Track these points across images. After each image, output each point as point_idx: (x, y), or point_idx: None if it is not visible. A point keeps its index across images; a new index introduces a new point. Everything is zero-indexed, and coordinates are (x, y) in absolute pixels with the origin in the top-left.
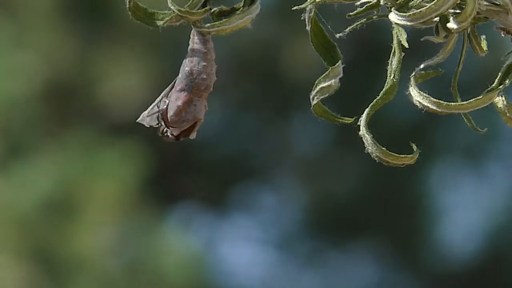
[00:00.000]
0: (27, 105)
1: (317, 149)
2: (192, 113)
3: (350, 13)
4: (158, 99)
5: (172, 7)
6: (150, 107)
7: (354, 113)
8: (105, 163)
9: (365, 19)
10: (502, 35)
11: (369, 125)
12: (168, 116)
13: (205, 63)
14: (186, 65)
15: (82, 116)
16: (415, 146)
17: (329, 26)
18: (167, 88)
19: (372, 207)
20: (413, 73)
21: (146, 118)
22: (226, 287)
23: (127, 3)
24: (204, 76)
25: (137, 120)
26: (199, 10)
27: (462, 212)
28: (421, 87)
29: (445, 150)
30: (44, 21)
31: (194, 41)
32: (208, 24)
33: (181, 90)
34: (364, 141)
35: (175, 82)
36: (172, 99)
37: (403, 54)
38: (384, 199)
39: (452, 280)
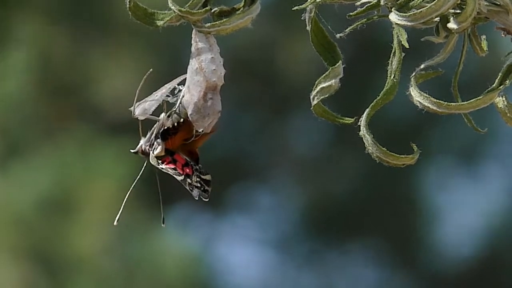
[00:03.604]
0: (25, 105)
1: (315, 150)
2: (211, 107)
3: (351, 13)
4: (156, 95)
5: (172, 7)
6: (151, 105)
7: (352, 113)
8: (103, 162)
9: (365, 19)
10: (502, 35)
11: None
12: (189, 114)
13: (212, 56)
14: (194, 64)
15: (80, 116)
16: (415, 146)
17: (329, 26)
18: (165, 87)
19: (370, 207)
20: (414, 73)
21: (137, 108)
22: (224, 287)
23: (127, 3)
24: (214, 67)
25: (130, 108)
26: (199, 10)
27: (459, 212)
28: (421, 87)
29: (442, 150)
30: (41, 20)
31: (197, 41)
32: (209, 24)
33: (195, 87)
34: (365, 141)
35: (171, 82)
36: (188, 99)
37: (403, 54)
38: (382, 199)
39: (449, 281)
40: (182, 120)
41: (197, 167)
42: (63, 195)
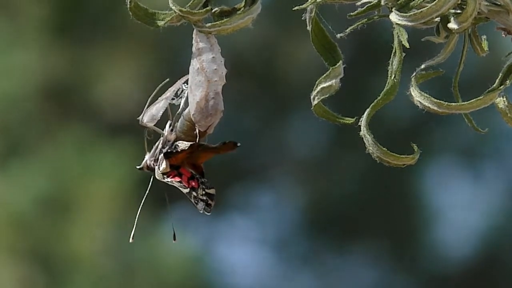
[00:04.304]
0: (24, 105)
1: (314, 150)
2: (213, 107)
3: (351, 13)
4: (161, 103)
5: (173, 7)
6: (159, 110)
7: (352, 113)
8: (102, 162)
9: (366, 19)
10: (503, 35)
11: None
12: (191, 115)
13: (213, 55)
14: (195, 64)
15: (79, 116)
16: (416, 146)
17: (330, 26)
18: (170, 90)
19: (369, 208)
20: (414, 74)
21: (145, 116)
22: (223, 287)
23: (128, 3)
24: (215, 67)
25: (138, 118)
26: (200, 10)
27: (459, 212)
28: (421, 87)
29: (442, 150)
30: (41, 22)
31: (198, 41)
32: (209, 24)
33: (196, 87)
34: (365, 142)
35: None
36: (190, 100)
37: (403, 54)
38: (381, 200)
39: (449, 281)
40: (185, 145)
41: (203, 180)
42: (62, 195)
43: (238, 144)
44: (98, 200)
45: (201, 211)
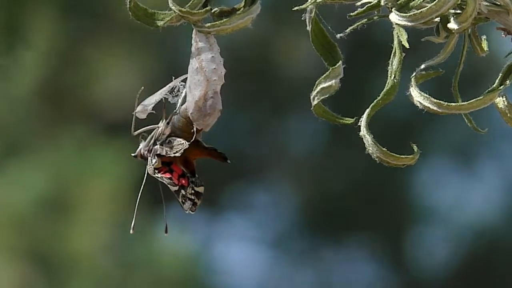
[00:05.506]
0: (23, 104)
1: (311, 149)
2: (212, 106)
3: (351, 14)
4: (156, 96)
5: (173, 7)
6: (151, 102)
7: (350, 113)
8: (101, 162)
9: (365, 20)
10: (503, 35)
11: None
12: (189, 114)
13: (212, 55)
14: (194, 64)
15: (78, 116)
16: (415, 146)
17: (329, 27)
18: (165, 88)
19: (366, 206)
20: (414, 74)
21: (143, 110)
22: (221, 286)
23: (128, 3)
24: (214, 66)
25: (136, 111)
26: (200, 10)
27: (455, 211)
28: (421, 87)
29: (437, 149)
30: (39, 20)
31: (197, 41)
32: (209, 24)
33: (195, 87)
34: (365, 142)
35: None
36: (189, 99)
37: (403, 54)
38: (378, 198)
39: (445, 279)
40: (180, 145)
41: (193, 179)
42: (61, 195)
43: (228, 161)
44: (97, 200)
45: (187, 211)
